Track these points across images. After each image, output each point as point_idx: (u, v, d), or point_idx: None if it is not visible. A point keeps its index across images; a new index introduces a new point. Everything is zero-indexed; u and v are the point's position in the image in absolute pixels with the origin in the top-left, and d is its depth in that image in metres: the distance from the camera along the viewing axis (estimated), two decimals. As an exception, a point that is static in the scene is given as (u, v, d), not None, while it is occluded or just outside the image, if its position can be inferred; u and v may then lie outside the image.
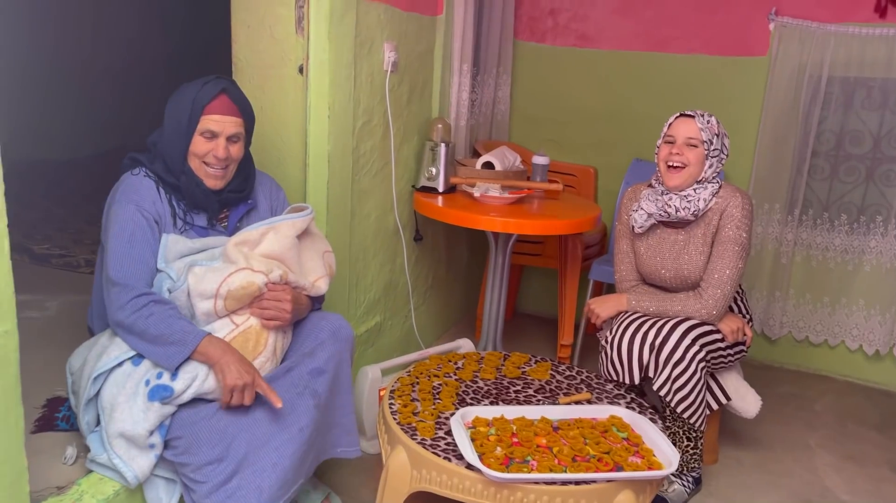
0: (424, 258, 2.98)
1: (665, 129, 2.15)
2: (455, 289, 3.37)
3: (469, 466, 1.58)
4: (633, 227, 2.21)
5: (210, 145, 1.68)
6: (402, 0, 2.49)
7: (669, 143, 2.12)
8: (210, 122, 1.67)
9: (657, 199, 2.16)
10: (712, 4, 3.15)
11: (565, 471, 1.58)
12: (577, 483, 1.56)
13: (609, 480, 1.58)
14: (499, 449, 1.65)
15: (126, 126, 5.97)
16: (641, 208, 2.19)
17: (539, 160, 2.82)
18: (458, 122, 2.93)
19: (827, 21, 2.94)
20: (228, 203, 1.79)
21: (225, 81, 1.71)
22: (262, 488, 1.54)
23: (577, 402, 1.96)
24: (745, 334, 2.15)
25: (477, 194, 2.59)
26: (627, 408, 1.93)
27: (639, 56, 3.31)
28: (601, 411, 1.89)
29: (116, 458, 1.53)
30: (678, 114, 2.13)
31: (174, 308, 1.61)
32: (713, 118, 2.12)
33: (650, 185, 2.24)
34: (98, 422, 1.61)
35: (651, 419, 1.89)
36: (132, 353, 1.59)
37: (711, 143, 2.08)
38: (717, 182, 2.13)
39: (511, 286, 3.46)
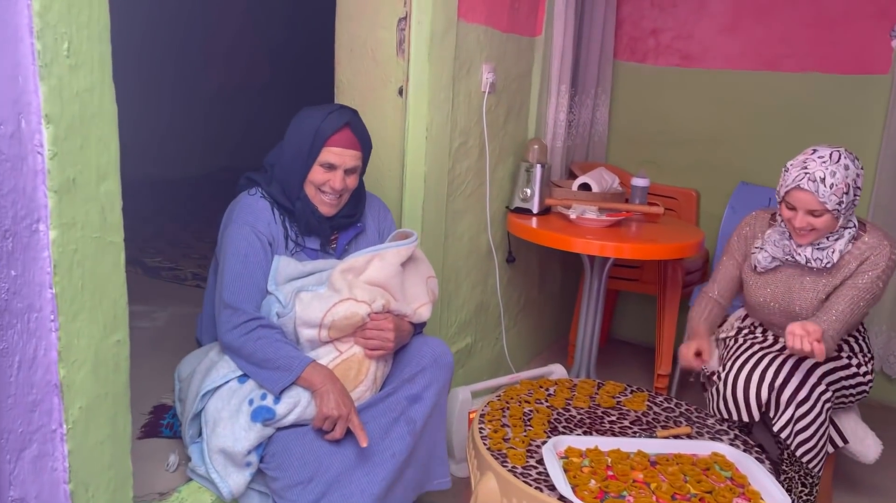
0: (517, 280, 2.95)
1: (782, 191, 1.91)
2: (547, 312, 3.31)
3: (561, 498, 1.53)
4: (754, 265, 2.06)
5: (328, 176, 1.70)
6: (502, 21, 2.49)
7: (791, 209, 1.90)
8: (331, 154, 1.69)
9: (785, 245, 1.99)
10: (829, 21, 2.99)
11: (664, 510, 1.50)
12: (677, 523, 1.48)
13: (712, 523, 1.49)
14: (593, 481, 1.58)
15: (231, 148, 6.28)
16: (766, 251, 2.02)
17: (638, 182, 2.74)
18: (555, 143, 2.90)
19: (959, 36, 2.72)
20: (340, 227, 1.82)
21: (349, 114, 1.72)
22: None
23: (676, 436, 1.86)
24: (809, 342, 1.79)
25: (573, 216, 2.54)
26: (731, 445, 1.82)
27: (746, 75, 3.18)
28: (702, 447, 1.78)
29: (214, 473, 1.57)
30: (794, 185, 1.86)
31: (281, 333, 1.65)
32: (839, 168, 1.81)
33: (773, 218, 2.08)
34: (200, 434, 1.66)
35: (757, 459, 1.77)
36: (239, 373, 1.64)
37: (842, 204, 1.84)
38: (854, 225, 1.94)
39: (606, 311, 3.37)
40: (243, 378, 1.63)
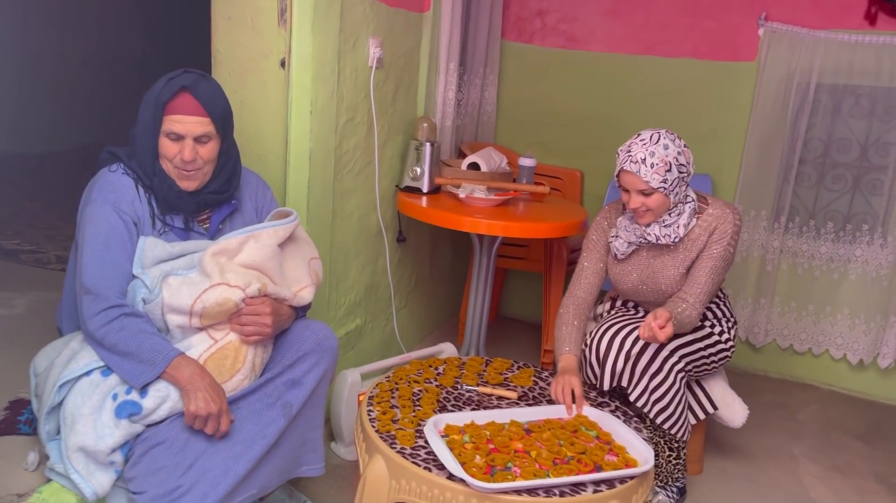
0: (407, 260, 2.92)
1: (616, 173, 2.01)
2: (438, 292, 3.32)
3: (451, 476, 1.53)
4: (615, 254, 2.14)
5: (177, 147, 1.59)
6: (389, -5, 2.44)
7: (625, 191, 2.01)
8: (172, 122, 1.57)
9: (635, 228, 2.08)
10: (701, 9, 3.13)
11: (549, 475, 1.54)
12: (562, 494, 1.51)
13: (597, 481, 1.56)
14: (478, 457, 1.60)
15: (101, 121, 5.87)
16: (621, 237, 2.11)
17: (525, 162, 2.77)
18: (444, 121, 2.88)
19: (817, 27, 2.92)
20: (208, 204, 1.70)
21: (190, 77, 1.58)
22: (206, 493, 1.48)
23: (500, 397, 1.94)
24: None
25: (462, 195, 2.54)
26: (591, 405, 1.90)
27: (627, 59, 3.28)
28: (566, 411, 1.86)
29: (74, 473, 1.45)
30: (620, 168, 1.97)
31: (147, 322, 1.54)
32: (658, 148, 1.92)
33: (625, 208, 2.14)
34: (59, 431, 1.53)
35: (612, 413, 1.87)
36: (103, 363, 1.52)
37: (667, 181, 1.94)
38: (692, 199, 2.05)
39: (495, 289, 3.41)
40: (107, 371, 1.51)
